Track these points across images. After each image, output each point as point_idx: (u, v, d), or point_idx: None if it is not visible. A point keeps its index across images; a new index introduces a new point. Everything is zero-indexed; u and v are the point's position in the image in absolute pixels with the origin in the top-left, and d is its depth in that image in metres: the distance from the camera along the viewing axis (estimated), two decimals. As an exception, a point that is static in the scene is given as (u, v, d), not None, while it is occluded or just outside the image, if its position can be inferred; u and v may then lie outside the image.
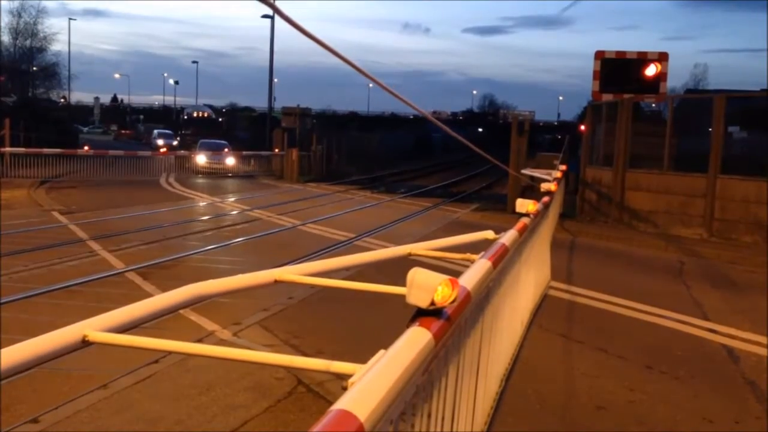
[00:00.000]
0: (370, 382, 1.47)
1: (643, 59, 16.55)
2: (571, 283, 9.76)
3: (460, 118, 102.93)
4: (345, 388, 1.49)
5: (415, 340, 1.80)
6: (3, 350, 1.56)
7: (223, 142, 37.39)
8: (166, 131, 56.56)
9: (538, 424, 4.92)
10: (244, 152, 35.88)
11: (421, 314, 1.96)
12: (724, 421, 5.19)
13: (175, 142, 49.94)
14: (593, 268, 11.58)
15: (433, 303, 1.94)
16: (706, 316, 8.38)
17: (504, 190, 24.43)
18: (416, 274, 1.93)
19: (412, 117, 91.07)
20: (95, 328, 1.75)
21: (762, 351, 6.97)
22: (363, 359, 1.70)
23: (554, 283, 9.47)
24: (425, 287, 1.93)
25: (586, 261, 12.19)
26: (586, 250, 13.55)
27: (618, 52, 16.93)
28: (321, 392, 5.23)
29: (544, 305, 8.28)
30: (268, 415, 4.82)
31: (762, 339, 7.33)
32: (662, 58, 16.54)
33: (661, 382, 6.01)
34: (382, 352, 1.68)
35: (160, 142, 47.63)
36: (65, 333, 1.69)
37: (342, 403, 1.33)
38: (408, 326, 1.91)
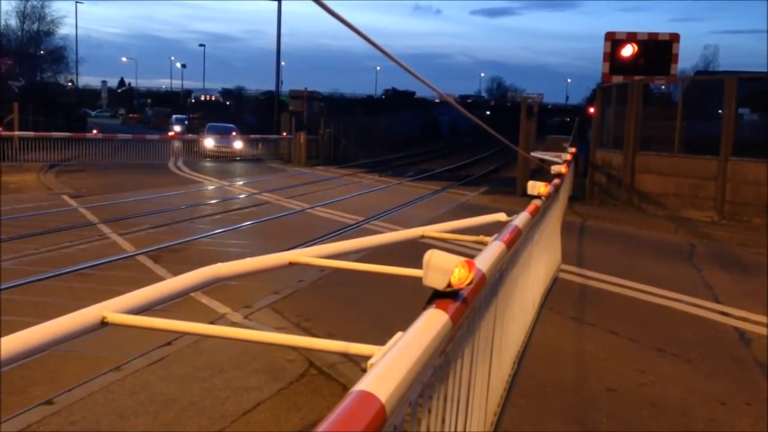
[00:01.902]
0: (390, 364, 1.47)
1: (655, 40, 16.39)
2: (582, 266, 9.75)
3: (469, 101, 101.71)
4: (365, 370, 1.49)
5: (433, 322, 1.79)
6: (22, 332, 1.56)
7: (230, 125, 37.37)
8: (184, 117, 57.15)
9: (549, 407, 4.93)
10: (252, 136, 35.88)
11: (437, 296, 1.96)
12: (736, 403, 5.18)
13: None
14: (603, 251, 11.56)
15: (449, 285, 1.93)
16: (717, 298, 8.35)
17: (512, 173, 24.36)
18: (433, 256, 1.92)
19: (420, 99, 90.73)
20: (113, 309, 1.75)
21: (774, 334, 6.95)
22: (374, 341, 1.70)
23: (565, 266, 9.46)
24: (442, 269, 1.92)
25: (596, 244, 12.16)
26: (596, 233, 13.51)
27: (629, 34, 16.77)
28: (333, 374, 5.25)
29: (555, 288, 8.27)
30: (281, 397, 4.84)
31: (773, 322, 7.30)
32: (674, 38, 16.38)
33: (672, 364, 6.01)
34: (400, 333, 1.68)
35: (177, 128, 47.80)
36: (84, 314, 1.69)
37: (363, 384, 1.33)
38: (425, 308, 1.90)
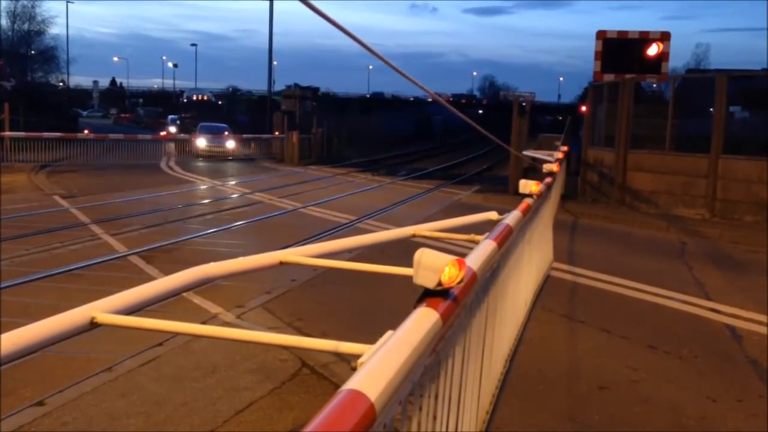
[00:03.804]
0: (379, 363, 1.47)
1: (645, 39, 16.44)
2: (574, 264, 9.77)
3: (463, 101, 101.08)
4: (354, 369, 1.49)
5: (423, 320, 1.79)
6: (11, 333, 1.56)
7: (223, 125, 37.26)
8: (176, 117, 57.06)
9: (542, 404, 4.94)
10: (244, 135, 35.80)
11: (428, 295, 1.96)
12: (727, 400, 5.20)
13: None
14: (595, 248, 11.59)
15: (440, 284, 1.94)
16: (708, 296, 8.39)
17: (504, 171, 24.39)
18: (423, 255, 1.93)
19: (412, 99, 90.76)
20: (103, 310, 1.75)
21: (764, 330, 6.98)
22: (367, 341, 1.70)
23: (557, 264, 9.48)
24: (432, 268, 1.92)
25: (588, 242, 12.19)
26: (588, 231, 13.54)
27: (620, 32, 16.82)
28: (326, 374, 5.24)
29: (547, 286, 8.28)
30: (273, 397, 4.84)
31: (764, 318, 7.34)
32: (664, 37, 16.43)
33: (664, 361, 6.03)
34: (390, 332, 1.68)
35: (173, 129, 47.62)
36: (73, 315, 1.69)
37: (352, 383, 1.33)
38: (415, 307, 1.90)
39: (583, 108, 22.22)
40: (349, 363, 1.61)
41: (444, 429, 2.54)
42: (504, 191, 19.00)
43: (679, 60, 68.20)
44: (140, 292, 1.94)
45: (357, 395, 1.29)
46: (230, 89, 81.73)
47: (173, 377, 5.14)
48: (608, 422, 4.72)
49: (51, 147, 26.10)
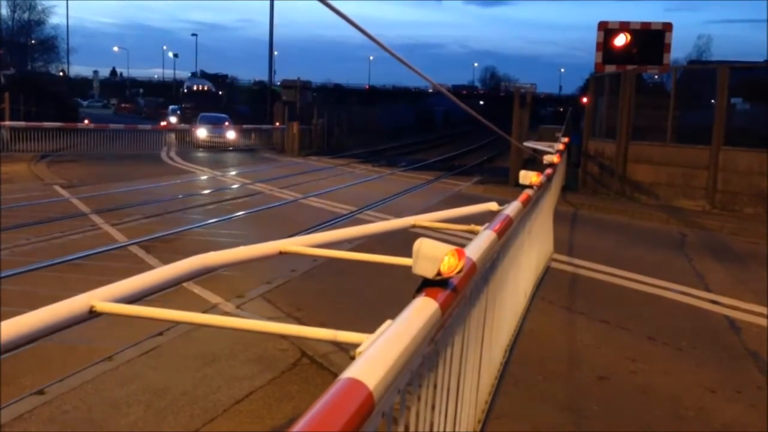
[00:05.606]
0: (378, 352, 1.47)
1: (647, 29, 16.40)
2: (574, 256, 9.77)
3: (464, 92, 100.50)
4: (353, 358, 1.49)
5: (422, 310, 1.79)
6: (9, 320, 1.56)
7: (223, 115, 37.16)
8: (177, 107, 56.88)
9: (541, 395, 4.95)
10: (245, 126, 35.76)
11: (427, 284, 1.96)
12: (726, 391, 5.22)
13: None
14: (595, 240, 11.59)
15: (439, 273, 1.94)
16: (708, 287, 8.39)
17: (505, 163, 24.36)
18: (422, 245, 1.92)
19: (413, 89, 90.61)
20: (102, 298, 1.75)
21: (763, 322, 6.99)
22: (366, 330, 1.70)
23: (557, 256, 9.48)
24: (432, 257, 1.92)
25: (588, 233, 12.19)
26: (589, 222, 13.54)
27: (622, 23, 16.77)
28: (325, 364, 5.26)
29: (547, 277, 8.29)
30: (273, 387, 4.85)
31: (763, 310, 7.35)
32: (666, 28, 16.38)
33: (663, 352, 6.04)
34: (389, 322, 1.68)
35: (173, 119, 47.45)
36: (72, 304, 1.69)
37: (351, 372, 1.33)
38: (414, 296, 1.90)
39: (584, 99, 22.18)
40: (348, 353, 1.61)
41: (443, 418, 2.55)
42: (504, 182, 18.98)
43: (681, 51, 68.13)
44: (140, 281, 1.94)
45: (355, 384, 1.29)
46: (228, 78, 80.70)
47: (173, 366, 5.15)
48: (607, 412, 4.73)
49: (51, 137, 26.08)
